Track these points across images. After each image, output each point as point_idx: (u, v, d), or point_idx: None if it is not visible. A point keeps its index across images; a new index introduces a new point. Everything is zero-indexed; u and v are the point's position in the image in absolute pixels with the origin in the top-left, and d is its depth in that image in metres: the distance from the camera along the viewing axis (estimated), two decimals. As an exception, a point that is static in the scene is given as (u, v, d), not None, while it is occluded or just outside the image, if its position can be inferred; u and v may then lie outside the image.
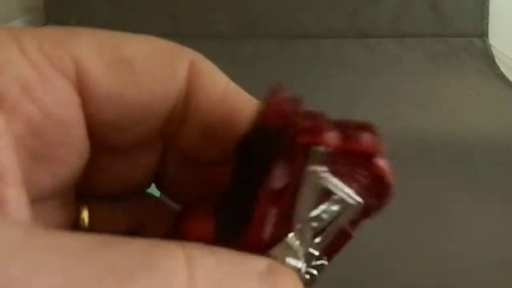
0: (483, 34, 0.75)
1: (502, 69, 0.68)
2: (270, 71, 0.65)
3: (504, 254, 0.38)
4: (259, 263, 0.13)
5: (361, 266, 0.37)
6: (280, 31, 0.75)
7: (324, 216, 0.14)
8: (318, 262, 0.15)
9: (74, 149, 0.15)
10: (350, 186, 0.14)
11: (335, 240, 0.15)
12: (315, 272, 0.15)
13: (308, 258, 0.14)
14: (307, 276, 0.15)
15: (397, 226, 0.40)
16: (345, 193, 0.13)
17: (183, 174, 0.18)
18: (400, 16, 0.75)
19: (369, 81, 0.65)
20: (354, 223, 0.15)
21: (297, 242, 0.14)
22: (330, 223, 0.14)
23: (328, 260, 0.15)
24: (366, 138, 0.14)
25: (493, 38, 0.74)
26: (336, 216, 0.14)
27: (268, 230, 0.14)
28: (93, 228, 0.17)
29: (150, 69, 0.15)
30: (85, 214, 0.17)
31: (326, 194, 0.13)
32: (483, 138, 0.52)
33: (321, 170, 0.13)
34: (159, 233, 0.17)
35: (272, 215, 0.13)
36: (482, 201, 0.44)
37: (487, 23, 0.75)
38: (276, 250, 0.14)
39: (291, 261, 0.14)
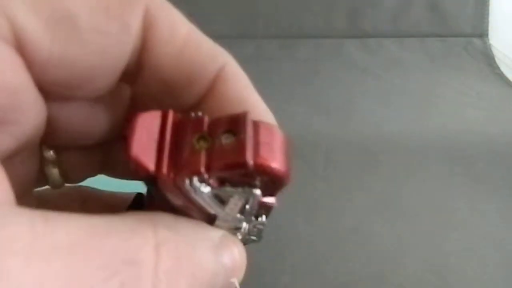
0: (483, 34, 0.75)
1: (502, 69, 0.68)
2: (270, 71, 0.65)
3: (504, 254, 0.38)
4: (214, 234, 0.14)
5: (360, 265, 0.37)
6: (280, 31, 0.75)
7: (235, 207, 0.14)
8: (258, 220, 0.16)
9: (28, 111, 0.14)
10: (243, 184, 0.14)
11: (260, 210, 0.15)
12: (260, 226, 0.16)
13: (248, 220, 0.15)
14: (255, 230, 0.16)
15: (397, 225, 0.40)
16: (238, 192, 0.14)
17: None
18: (400, 16, 0.75)
19: (369, 81, 0.65)
20: (271, 194, 0.15)
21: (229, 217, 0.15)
22: (243, 207, 0.15)
23: (266, 216, 0.16)
24: (234, 148, 0.13)
25: (493, 38, 0.74)
26: (245, 204, 0.14)
27: (200, 219, 0.15)
28: (66, 175, 0.18)
29: (96, 24, 0.14)
30: (52, 168, 0.17)
31: (226, 194, 0.14)
32: (483, 138, 0.52)
33: (202, 191, 0.13)
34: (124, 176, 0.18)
35: (195, 214, 0.14)
36: (482, 201, 0.44)
37: (487, 23, 0.75)
38: (216, 225, 0.15)
39: (231, 226, 0.15)
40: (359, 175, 0.46)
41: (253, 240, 0.17)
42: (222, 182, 0.14)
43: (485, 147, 0.51)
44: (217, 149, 0.13)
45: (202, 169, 0.13)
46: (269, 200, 0.15)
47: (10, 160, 0.14)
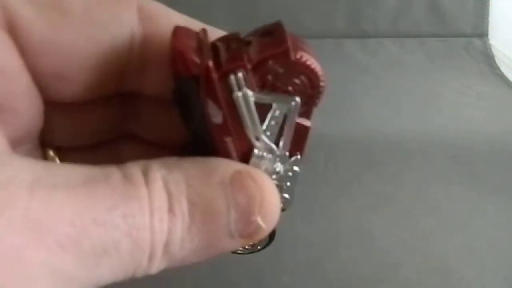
0: (483, 34, 0.75)
1: (502, 69, 0.68)
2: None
3: (504, 254, 0.38)
4: (226, 169, 0.14)
5: (360, 265, 0.37)
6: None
7: (273, 122, 0.14)
8: (293, 159, 0.16)
9: (24, 98, 0.14)
10: (282, 89, 0.14)
11: (296, 136, 0.15)
12: (296, 168, 0.16)
13: (282, 159, 0.15)
14: (290, 173, 0.16)
15: (396, 225, 0.40)
16: (278, 99, 0.14)
17: (155, 117, 0.18)
18: (400, 16, 0.75)
19: (369, 81, 0.65)
20: (305, 115, 0.15)
21: (264, 153, 0.15)
22: (282, 126, 0.14)
23: (300, 154, 0.16)
24: (274, 42, 0.14)
25: (493, 38, 0.74)
26: (284, 118, 0.14)
27: (233, 155, 0.15)
28: None
29: (88, 12, 0.14)
30: (52, 160, 0.17)
31: (266, 106, 0.14)
32: (483, 138, 0.52)
33: (245, 92, 0.13)
34: None
35: (230, 142, 0.14)
36: (482, 201, 0.44)
37: (487, 23, 0.75)
38: (251, 164, 0.15)
39: (267, 167, 0.15)
40: (359, 175, 0.46)
41: (285, 199, 0.16)
42: (262, 87, 0.14)
43: (485, 147, 0.51)
44: (257, 46, 0.13)
45: (247, 63, 0.13)
46: (305, 122, 0.15)
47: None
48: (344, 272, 0.36)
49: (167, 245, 0.13)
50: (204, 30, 0.15)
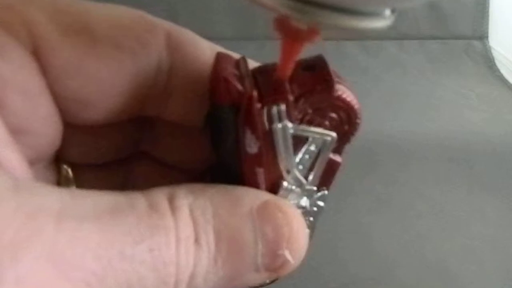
0: (483, 36, 0.75)
1: (502, 71, 0.68)
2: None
3: (503, 254, 0.38)
4: (254, 198, 0.14)
5: (359, 266, 0.37)
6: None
7: (307, 156, 0.14)
8: (320, 194, 0.15)
9: (44, 121, 0.14)
10: (320, 124, 0.14)
11: (326, 171, 0.15)
12: (321, 203, 0.16)
13: (309, 193, 0.15)
14: (315, 208, 0.16)
15: (396, 226, 0.40)
16: (316, 133, 0.14)
17: (173, 141, 0.17)
18: (400, 18, 0.75)
19: (368, 83, 0.65)
20: (337, 150, 0.15)
21: (293, 186, 0.15)
22: (314, 160, 0.14)
23: (327, 189, 0.16)
24: (318, 77, 0.14)
25: (493, 40, 0.74)
26: (317, 153, 0.14)
27: (262, 186, 0.14)
28: None
29: (115, 39, 0.14)
30: (69, 185, 0.17)
31: (301, 139, 0.14)
32: (483, 140, 0.53)
33: (285, 124, 0.13)
34: None
35: (261, 173, 0.14)
36: (481, 202, 0.44)
37: (487, 25, 0.75)
38: (279, 196, 0.15)
39: (294, 201, 0.15)
40: (359, 175, 0.46)
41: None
42: (301, 120, 0.14)
43: (485, 148, 0.51)
44: (300, 79, 0.13)
45: (291, 97, 0.13)
46: (336, 157, 0.15)
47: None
48: (342, 274, 0.36)
49: (191, 278, 0.12)
50: (244, 58, 0.15)
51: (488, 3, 0.75)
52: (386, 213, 0.42)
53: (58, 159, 0.16)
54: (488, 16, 0.75)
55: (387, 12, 0.12)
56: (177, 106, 0.16)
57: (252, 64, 0.15)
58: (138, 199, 0.12)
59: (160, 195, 0.12)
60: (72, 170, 0.17)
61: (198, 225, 0.12)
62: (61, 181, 0.17)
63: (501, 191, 0.45)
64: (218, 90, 0.13)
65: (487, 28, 0.75)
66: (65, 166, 0.17)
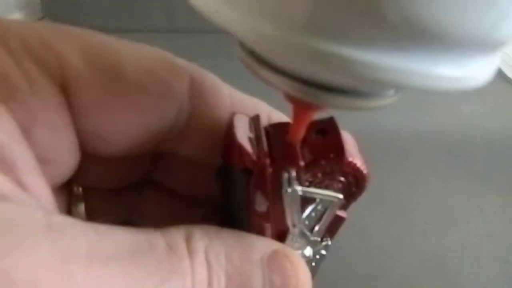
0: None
1: (502, 66, 0.68)
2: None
3: (501, 249, 0.38)
4: (266, 246, 0.14)
5: (357, 261, 0.37)
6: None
7: (313, 214, 0.15)
8: (323, 244, 0.16)
9: (65, 151, 0.14)
10: (328, 186, 0.15)
11: (331, 225, 0.16)
12: (323, 252, 0.16)
13: (313, 244, 0.16)
14: (318, 257, 0.16)
15: (393, 221, 0.40)
16: (324, 195, 0.14)
17: (185, 174, 0.18)
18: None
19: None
20: (343, 207, 0.16)
21: (299, 238, 0.15)
22: (321, 217, 0.15)
23: (330, 239, 0.16)
24: (329, 144, 0.14)
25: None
26: (324, 211, 0.15)
27: (269, 237, 0.15)
28: (89, 216, 0.18)
29: (141, 83, 0.14)
30: (78, 204, 0.17)
31: (310, 199, 0.14)
32: (481, 133, 0.53)
33: (295, 188, 0.13)
34: (153, 222, 0.18)
35: (268, 227, 0.15)
36: (479, 197, 0.44)
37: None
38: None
39: (298, 250, 0.16)
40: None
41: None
42: (310, 182, 0.14)
43: (483, 142, 0.51)
44: (312, 144, 0.14)
45: (301, 163, 0.13)
46: (341, 213, 0.16)
47: None
48: (340, 268, 0.36)
49: None
50: (257, 117, 0.15)
51: None
52: (384, 208, 0.42)
53: (70, 180, 0.17)
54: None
55: (392, 91, 0.13)
56: (193, 146, 0.16)
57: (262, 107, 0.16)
58: (156, 239, 0.12)
59: (177, 235, 0.13)
60: (83, 190, 0.18)
61: (212, 269, 0.13)
62: (72, 200, 0.17)
63: (500, 185, 0.45)
64: (233, 155, 0.14)
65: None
66: (75, 187, 0.17)
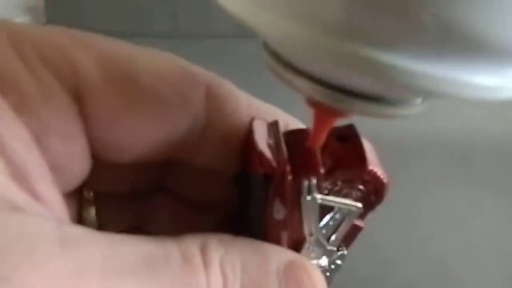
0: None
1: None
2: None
3: (504, 252, 0.38)
4: (282, 257, 0.14)
5: (359, 264, 0.37)
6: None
7: (331, 223, 0.15)
8: (339, 253, 0.16)
9: (76, 159, 0.14)
10: (347, 194, 0.14)
11: (348, 234, 0.15)
12: (339, 261, 0.16)
13: (329, 253, 0.16)
14: (333, 267, 0.16)
15: (395, 224, 0.40)
16: (343, 204, 0.14)
17: (199, 183, 0.18)
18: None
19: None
20: (361, 216, 0.16)
21: (315, 247, 0.15)
22: (338, 226, 0.15)
23: (346, 248, 0.16)
24: (350, 152, 0.14)
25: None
26: (342, 220, 0.15)
27: (285, 245, 0.15)
28: (100, 220, 0.18)
29: (157, 92, 0.14)
30: (89, 209, 0.17)
31: (328, 207, 0.14)
32: (482, 136, 0.53)
33: (315, 196, 0.13)
34: (165, 229, 0.18)
35: (284, 235, 0.14)
36: (481, 199, 0.44)
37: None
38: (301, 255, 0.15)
39: (314, 260, 0.15)
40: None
41: None
42: (329, 190, 0.14)
43: (484, 145, 0.51)
44: (332, 150, 0.14)
45: (322, 170, 0.13)
46: (359, 222, 0.16)
47: None
48: (343, 271, 0.36)
49: None
50: (276, 122, 0.15)
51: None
52: (386, 211, 0.41)
53: (81, 185, 0.17)
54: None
55: (419, 100, 0.12)
56: (208, 155, 0.16)
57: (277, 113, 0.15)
58: (171, 249, 0.12)
59: (193, 246, 0.13)
60: (94, 194, 0.17)
61: (227, 280, 0.12)
62: (83, 204, 0.17)
63: (502, 188, 0.45)
64: (252, 162, 0.14)
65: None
66: (86, 192, 0.17)
